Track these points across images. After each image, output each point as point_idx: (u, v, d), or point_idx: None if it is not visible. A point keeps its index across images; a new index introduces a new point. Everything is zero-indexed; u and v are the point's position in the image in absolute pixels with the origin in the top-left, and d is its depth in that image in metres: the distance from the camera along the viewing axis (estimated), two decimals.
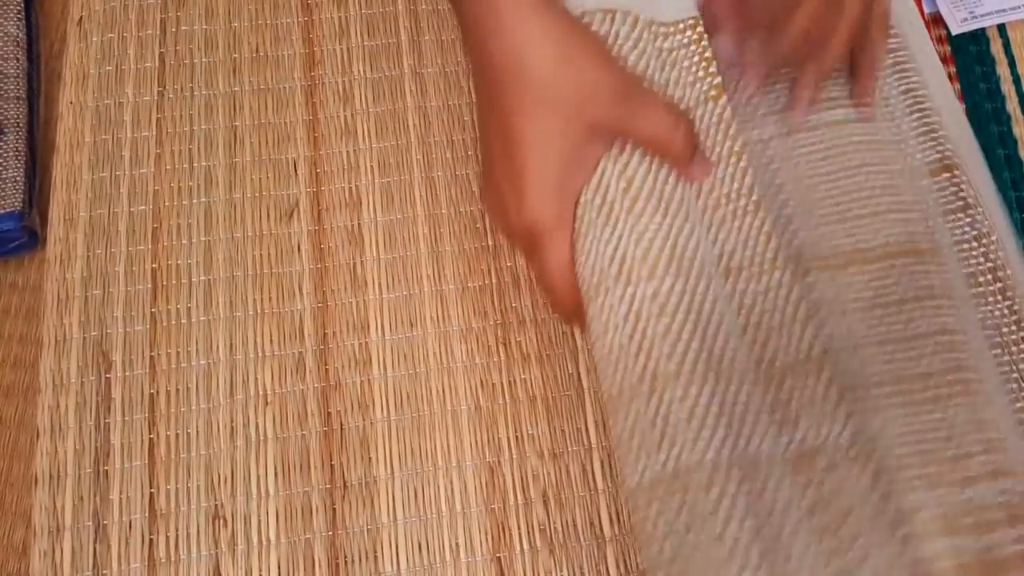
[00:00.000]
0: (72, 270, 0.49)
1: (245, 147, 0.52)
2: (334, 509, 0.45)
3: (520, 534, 0.45)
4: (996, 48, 0.56)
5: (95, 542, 0.44)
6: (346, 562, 0.44)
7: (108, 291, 0.48)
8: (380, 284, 0.49)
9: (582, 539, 0.45)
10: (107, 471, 0.45)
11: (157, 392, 0.46)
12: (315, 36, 0.55)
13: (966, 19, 0.56)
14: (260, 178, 0.51)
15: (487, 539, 0.45)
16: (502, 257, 0.50)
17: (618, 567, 0.44)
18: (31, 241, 0.57)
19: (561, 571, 0.44)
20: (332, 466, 0.46)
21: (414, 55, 0.55)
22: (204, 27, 0.55)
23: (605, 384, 0.36)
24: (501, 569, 0.44)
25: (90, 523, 0.44)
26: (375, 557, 0.44)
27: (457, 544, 0.45)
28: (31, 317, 0.55)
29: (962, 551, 0.34)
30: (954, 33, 0.56)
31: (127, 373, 0.47)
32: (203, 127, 0.53)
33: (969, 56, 0.56)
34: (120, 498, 0.44)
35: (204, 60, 0.54)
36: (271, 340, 0.48)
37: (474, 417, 0.47)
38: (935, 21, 0.57)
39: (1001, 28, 0.57)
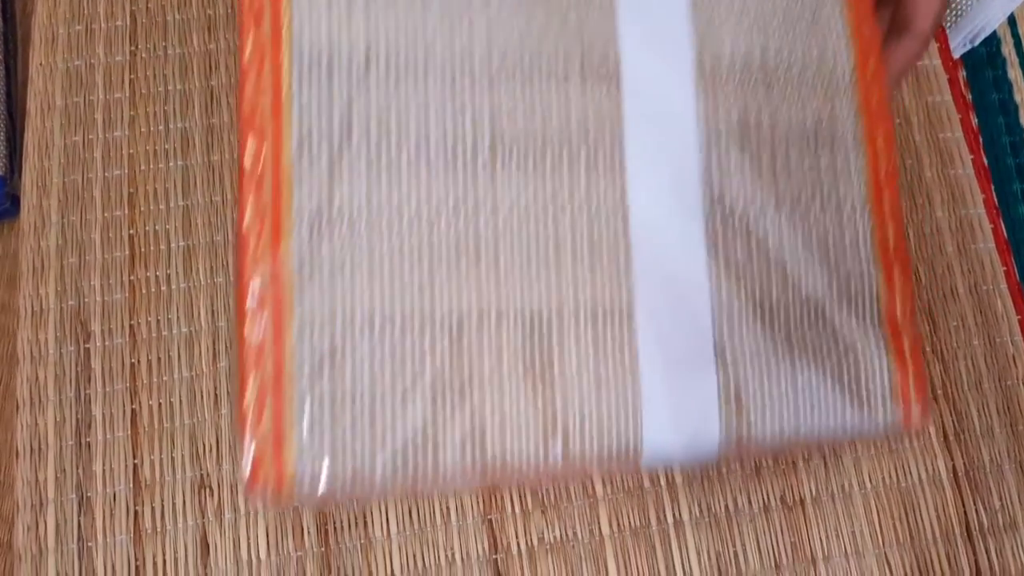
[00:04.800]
0: (47, 238, 0.47)
1: (222, 107, 0.51)
2: None
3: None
4: None
5: (79, 515, 0.43)
6: (335, 528, 0.44)
7: (84, 259, 0.47)
8: None
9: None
10: (89, 443, 0.44)
11: (138, 361, 0.46)
12: None
13: None
14: (238, 139, 0.50)
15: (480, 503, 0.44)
16: None
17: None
18: (14, 207, 0.56)
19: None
20: None
21: None
22: None
23: None
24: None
25: (73, 496, 0.43)
26: (365, 522, 0.44)
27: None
28: (12, 285, 0.55)
29: None
30: None
31: (106, 343, 0.46)
32: (178, 87, 0.51)
33: None
34: (103, 470, 0.44)
35: (177, 17, 0.52)
36: None
37: None
38: None
39: None
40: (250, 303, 0.31)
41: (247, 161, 0.31)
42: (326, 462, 0.30)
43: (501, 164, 0.34)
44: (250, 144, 0.32)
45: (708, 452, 0.35)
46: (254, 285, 0.31)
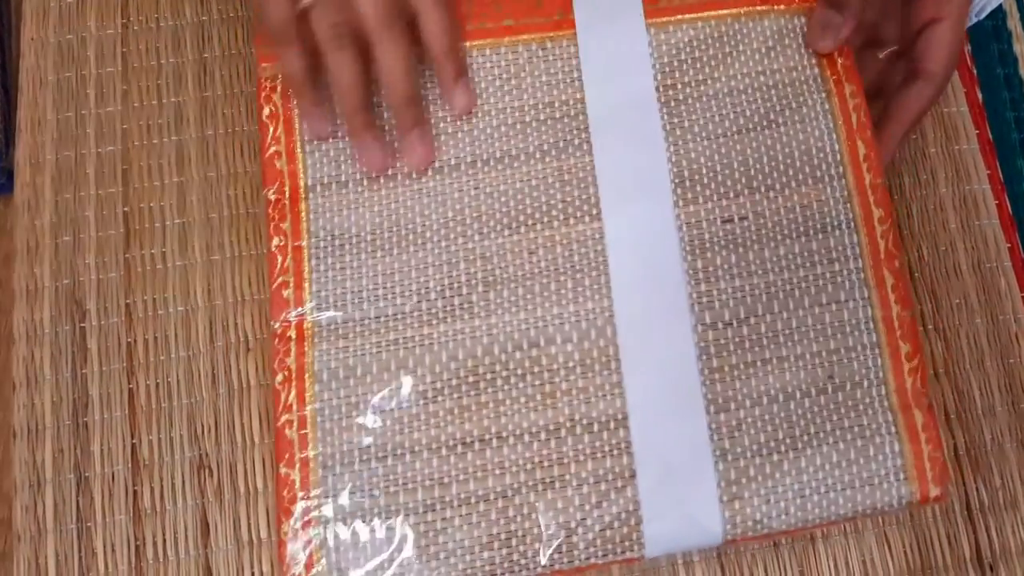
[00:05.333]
0: (41, 216, 0.47)
1: (215, 81, 0.50)
2: None
3: None
4: None
5: (78, 495, 0.43)
6: None
7: (79, 237, 0.47)
8: None
9: None
10: (87, 422, 0.44)
11: (134, 341, 0.45)
12: None
13: None
14: (232, 113, 0.49)
15: None
16: None
17: None
18: (9, 183, 0.55)
19: None
20: None
21: None
22: None
23: None
24: None
25: (71, 476, 0.43)
26: None
27: None
28: (7, 264, 0.54)
29: None
30: None
31: (102, 322, 0.45)
32: (171, 61, 0.50)
33: None
34: (101, 450, 0.44)
35: None
36: (250, 284, 0.46)
37: None
38: None
39: None
40: (284, 472, 0.37)
41: (278, 329, 0.38)
42: None
43: (494, 299, 0.38)
44: (281, 316, 0.38)
45: (712, 544, 0.37)
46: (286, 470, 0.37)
